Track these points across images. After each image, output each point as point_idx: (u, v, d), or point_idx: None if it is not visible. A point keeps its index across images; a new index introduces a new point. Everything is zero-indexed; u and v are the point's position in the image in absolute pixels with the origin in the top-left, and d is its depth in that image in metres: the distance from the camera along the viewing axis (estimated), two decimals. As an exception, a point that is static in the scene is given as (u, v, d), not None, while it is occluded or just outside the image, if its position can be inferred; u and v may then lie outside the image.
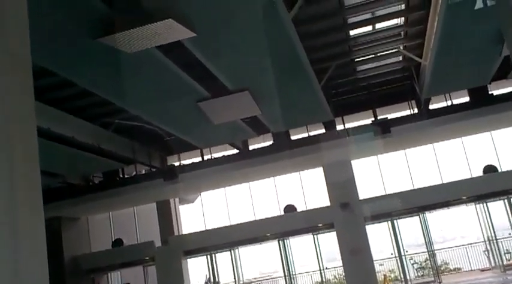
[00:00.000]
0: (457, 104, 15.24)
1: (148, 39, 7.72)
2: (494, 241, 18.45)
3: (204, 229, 20.41)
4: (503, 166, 18.28)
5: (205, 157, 17.01)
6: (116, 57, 8.09)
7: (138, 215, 22.38)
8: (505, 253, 18.80)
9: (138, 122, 13.32)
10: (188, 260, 19.75)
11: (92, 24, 7.16)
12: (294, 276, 19.62)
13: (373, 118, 14.94)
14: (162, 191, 17.49)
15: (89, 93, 10.83)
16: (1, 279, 2.35)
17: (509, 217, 18.17)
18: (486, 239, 18.97)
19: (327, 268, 20.00)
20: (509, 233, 18.60)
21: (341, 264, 18.36)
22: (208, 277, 22.00)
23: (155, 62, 8.88)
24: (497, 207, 18.37)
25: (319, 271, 19.56)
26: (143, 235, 21.49)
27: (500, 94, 14.89)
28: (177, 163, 17.25)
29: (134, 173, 17.20)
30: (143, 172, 17.60)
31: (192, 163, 17.01)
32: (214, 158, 16.90)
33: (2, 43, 2.79)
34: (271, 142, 16.24)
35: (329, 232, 18.50)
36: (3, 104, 2.68)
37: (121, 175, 17.23)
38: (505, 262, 18.38)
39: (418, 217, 18.39)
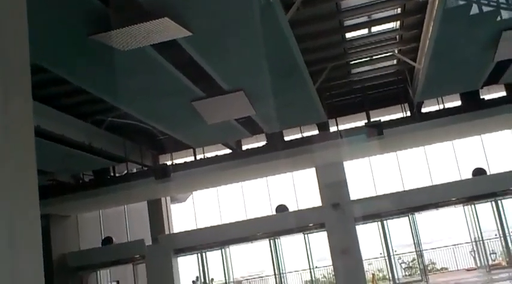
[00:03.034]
0: (448, 108, 15.35)
1: (143, 38, 7.65)
2: (481, 242, 18.61)
3: (195, 228, 20.35)
4: (492, 169, 18.46)
5: (198, 157, 16.94)
6: (110, 55, 8.00)
7: (128, 213, 22.26)
8: (490, 254, 18.99)
9: (130, 120, 13.21)
10: (178, 258, 19.70)
11: (86, 21, 7.09)
12: (284, 275, 19.60)
13: (366, 121, 14.99)
14: (154, 190, 17.40)
15: (81, 90, 10.71)
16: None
17: (496, 219, 18.34)
18: (473, 240, 19.12)
19: (316, 267, 20.03)
20: (495, 235, 18.74)
21: (331, 263, 18.47)
22: (197, 277, 22.00)
23: (150, 60, 8.79)
24: (484, 208, 18.55)
25: (309, 270, 19.62)
26: (133, 234, 21.36)
27: (491, 99, 15.02)
28: (169, 162, 17.15)
29: (125, 172, 17.07)
30: (135, 170, 17.48)
31: (185, 162, 16.93)
32: (207, 158, 16.84)
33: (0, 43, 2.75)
34: (264, 143, 16.24)
35: (320, 231, 18.58)
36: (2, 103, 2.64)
37: (112, 174, 17.11)
38: (490, 262, 18.57)
39: (407, 217, 18.50)
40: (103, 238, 20.25)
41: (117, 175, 17.14)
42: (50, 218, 18.28)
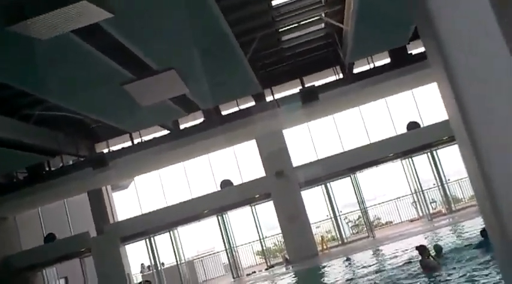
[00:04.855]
0: (379, 66, 15.69)
1: (62, 24, 7.31)
2: (421, 193, 19.36)
3: (140, 214, 19.96)
4: (426, 121, 19.05)
5: (136, 141, 16.57)
6: (31, 45, 7.62)
7: (69, 206, 21.58)
8: (430, 203, 19.80)
9: (60, 112, 12.66)
10: (127, 246, 19.42)
11: (2, 11, 6.66)
12: (236, 248, 19.74)
13: (301, 87, 15.06)
14: (93, 180, 16.87)
15: (4, 85, 10.13)
16: None
17: (432, 169, 19.09)
18: (413, 191, 19.79)
19: (266, 237, 20.28)
20: (434, 184, 19.52)
21: (280, 231, 18.73)
22: (142, 264, 21.91)
23: (73, 47, 8.50)
24: (421, 160, 19.23)
25: (258, 241, 19.83)
26: (77, 227, 20.73)
27: (419, 53, 15.38)
28: (106, 150, 16.68)
29: (61, 165, 16.44)
30: (71, 162, 16.86)
31: (122, 148, 16.55)
32: (145, 141, 16.50)
33: None
34: (202, 120, 16.06)
35: (266, 201, 18.74)
36: None
37: (47, 168, 16.44)
38: (431, 211, 19.36)
39: (349, 178, 18.93)
40: (45, 235, 19.56)
41: (52, 169, 16.49)
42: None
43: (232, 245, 19.45)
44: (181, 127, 16.31)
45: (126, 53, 9.37)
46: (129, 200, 21.13)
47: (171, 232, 19.49)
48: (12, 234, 18.93)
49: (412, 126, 18.56)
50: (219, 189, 19.08)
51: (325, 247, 19.29)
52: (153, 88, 11.05)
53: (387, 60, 15.55)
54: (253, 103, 16.09)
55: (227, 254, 19.65)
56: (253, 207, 19.12)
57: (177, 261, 19.81)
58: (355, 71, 15.64)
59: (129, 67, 10.16)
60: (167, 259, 20.89)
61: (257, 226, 19.40)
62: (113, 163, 15.58)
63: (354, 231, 22.92)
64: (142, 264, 22.22)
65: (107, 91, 10.75)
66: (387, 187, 23.93)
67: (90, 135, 16.11)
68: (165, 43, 9.42)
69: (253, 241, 21.50)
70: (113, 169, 15.72)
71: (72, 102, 11.25)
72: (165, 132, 16.22)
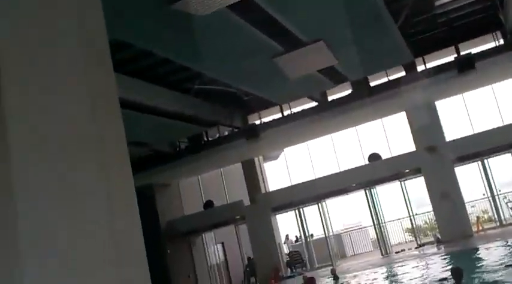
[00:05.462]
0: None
1: (218, 0, 7.79)
2: None
3: (289, 184, 20.53)
4: None
5: (285, 113, 17.00)
6: (189, 22, 8.22)
7: (225, 176, 22.84)
8: None
9: (216, 85, 13.47)
10: (277, 216, 20.14)
11: None
12: (384, 224, 19.40)
13: (455, 55, 14.13)
14: (246, 150, 17.70)
15: (166, 60, 11.04)
16: (99, 239, 2.50)
17: None
18: None
19: (416, 214, 19.66)
20: None
21: (431, 209, 18.01)
22: (287, 235, 22.47)
23: (227, 23, 8.89)
24: None
25: (408, 218, 19.31)
26: (231, 196, 21.98)
27: None
28: (258, 122, 17.35)
29: (217, 135, 17.53)
30: (226, 133, 17.87)
31: (273, 120, 17.06)
32: (294, 113, 16.82)
33: (78, 24, 2.87)
34: (350, 91, 15.92)
35: (416, 177, 18.12)
36: (85, 79, 2.77)
37: (205, 139, 17.63)
38: None
39: (510, 154, 17.46)
40: (204, 202, 21.04)
41: (210, 139, 17.64)
42: (153, 188, 19.24)
43: (380, 221, 19.12)
44: (329, 98, 16.36)
45: (276, 26, 9.61)
46: (279, 171, 21.82)
47: (319, 205, 19.73)
48: (175, 200, 20.70)
49: None
50: (367, 162, 18.87)
51: (480, 228, 18.22)
52: (302, 60, 11.24)
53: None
54: (403, 73, 15.53)
55: (375, 229, 19.37)
56: (402, 183, 18.60)
57: (325, 233, 19.97)
58: (519, 35, 14.24)
59: (279, 40, 10.38)
60: (316, 230, 21.30)
61: (407, 202, 18.85)
62: (264, 134, 16.18)
63: (515, 213, 21.15)
64: (287, 235, 22.95)
65: (257, 64, 11.14)
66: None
67: (243, 107, 16.85)
68: (315, 14, 9.48)
69: (403, 218, 21.00)
70: (264, 140, 16.33)
71: (225, 74, 11.89)
72: (313, 104, 16.39)
